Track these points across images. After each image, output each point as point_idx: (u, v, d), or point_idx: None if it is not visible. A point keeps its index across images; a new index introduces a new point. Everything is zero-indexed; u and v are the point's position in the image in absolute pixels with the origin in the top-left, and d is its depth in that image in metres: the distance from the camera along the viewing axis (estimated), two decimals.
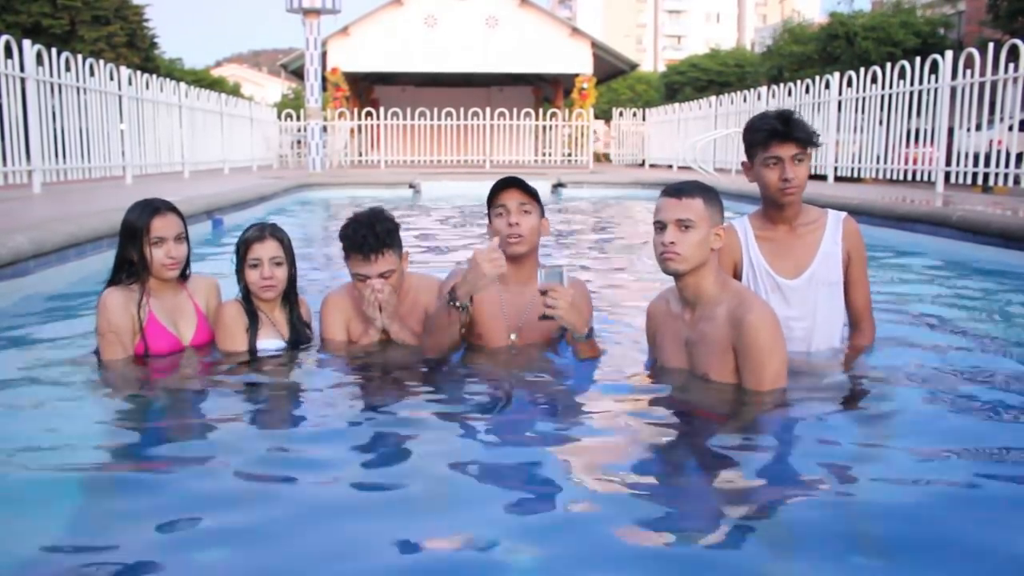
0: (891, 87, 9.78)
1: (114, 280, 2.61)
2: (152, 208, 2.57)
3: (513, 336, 2.64)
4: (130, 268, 2.58)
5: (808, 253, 2.56)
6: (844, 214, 2.61)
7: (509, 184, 2.58)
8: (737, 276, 2.64)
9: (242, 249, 2.65)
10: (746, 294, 2.27)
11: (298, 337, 2.74)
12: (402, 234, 2.70)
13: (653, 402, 2.32)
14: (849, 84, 10.66)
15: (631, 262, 5.75)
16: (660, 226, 2.22)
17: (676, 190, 2.24)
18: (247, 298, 2.71)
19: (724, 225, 2.29)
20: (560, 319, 2.38)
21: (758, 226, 2.62)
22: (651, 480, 1.83)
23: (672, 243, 2.18)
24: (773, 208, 2.57)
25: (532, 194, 2.59)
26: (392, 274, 2.61)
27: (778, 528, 1.61)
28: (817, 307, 2.58)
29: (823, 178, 11.21)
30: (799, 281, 2.56)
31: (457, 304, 2.45)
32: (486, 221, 2.71)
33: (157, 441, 2.09)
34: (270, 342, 2.70)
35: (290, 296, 2.77)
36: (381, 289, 2.60)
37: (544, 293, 2.34)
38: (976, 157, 8.50)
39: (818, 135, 2.51)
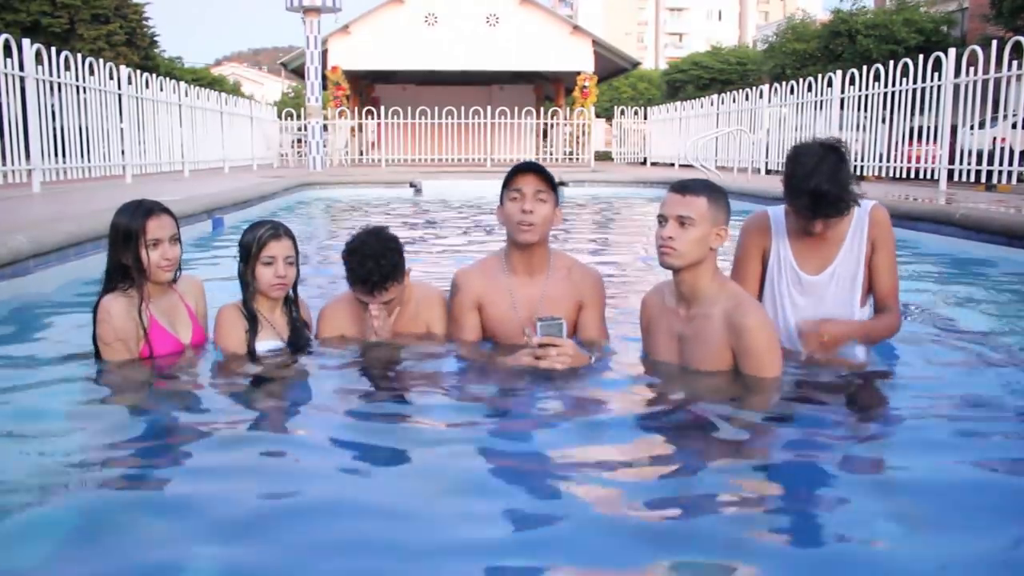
0: (894, 85, 9.75)
1: (110, 287, 2.55)
2: (145, 209, 2.52)
3: (527, 329, 2.59)
4: (125, 273, 2.53)
5: (833, 249, 2.52)
6: (873, 203, 2.52)
7: (528, 169, 2.53)
8: (764, 264, 2.62)
9: (255, 247, 2.59)
10: (742, 296, 2.30)
11: (298, 339, 2.70)
12: (405, 234, 2.68)
13: (654, 395, 2.33)
14: (852, 82, 10.63)
15: (632, 258, 5.73)
16: (662, 220, 2.27)
17: (683, 186, 2.27)
18: (246, 301, 2.66)
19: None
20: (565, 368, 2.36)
21: (792, 220, 2.59)
22: (652, 473, 1.84)
23: (670, 238, 2.23)
24: None
25: (550, 182, 2.54)
26: (393, 299, 2.61)
27: (774, 518, 1.61)
28: (831, 304, 2.53)
29: None
30: (821, 277, 2.53)
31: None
32: (497, 206, 2.66)
33: (155, 442, 2.07)
34: (269, 344, 2.66)
35: (291, 297, 2.73)
36: (378, 316, 2.60)
37: (542, 346, 2.31)
38: (979, 155, 8.48)
39: (847, 205, 2.37)
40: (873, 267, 2.54)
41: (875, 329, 2.55)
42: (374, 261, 2.49)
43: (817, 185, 2.29)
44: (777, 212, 2.63)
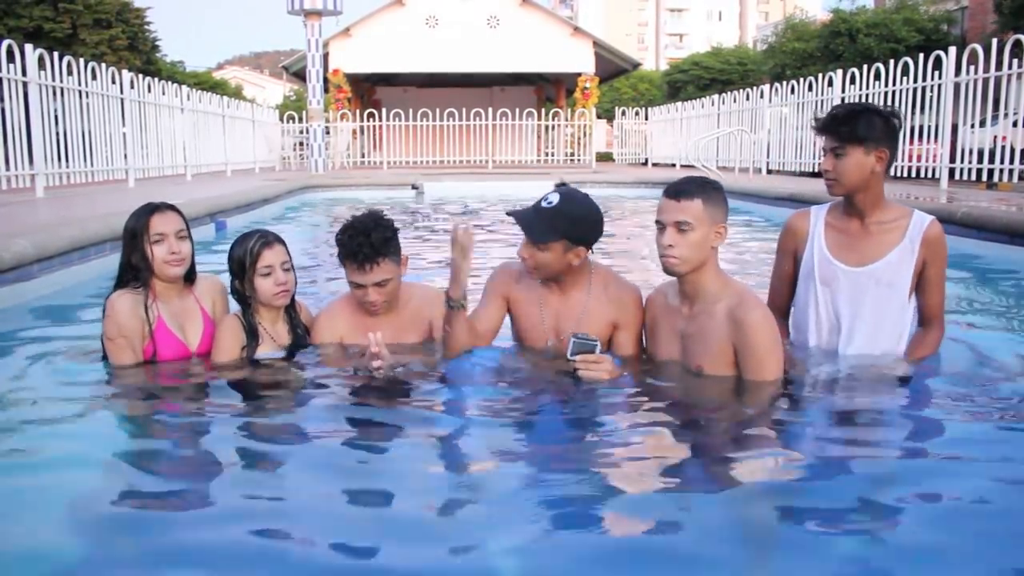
0: (894, 84, 9.74)
1: (120, 285, 2.56)
2: (150, 207, 2.55)
3: (550, 342, 2.56)
4: (134, 273, 2.54)
5: (878, 250, 2.50)
6: (930, 219, 2.50)
7: (521, 225, 2.43)
8: (797, 262, 2.62)
9: (248, 260, 2.55)
10: (747, 294, 2.30)
11: (299, 348, 2.66)
12: (407, 237, 2.66)
13: (654, 395, 2.33)
14: (852, 81, 10.62)
15: (634, 259, 5.73)
16: (660, 226, 2.27)
17: (676, 191, 2.26)
18: (247, 316, 2.63)
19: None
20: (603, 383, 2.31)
21: (834, 216, 2.59)
22: (654, 471, 1.84)
23: (670, 246, 2.23)
24: (845, 199, 2.55)
25: (544, 238, 2.39)
26: (389, 282, 2.53)
27: (774, 516, 1.62)
28: (867, 304, 2.51)
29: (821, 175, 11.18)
30: (857, 271, 2.50)
31: (452, 304, 2.42)
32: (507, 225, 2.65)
33: (155, 447, 2.09)
34: (269, 353, 2.63)
35: (289, 306, 2.69)
36: (379, 354, 2.38)
37: (575, 361, 2.27)
38: (980, 153, 8.47)
39: (864, 131, 2.41)
40: (924, 280, 2.52)
41: (926, 351, 2.56)
42: (364, 235, 2.46)
43: (839, 107, 2.50)
44: (821, 209, 2.64)
